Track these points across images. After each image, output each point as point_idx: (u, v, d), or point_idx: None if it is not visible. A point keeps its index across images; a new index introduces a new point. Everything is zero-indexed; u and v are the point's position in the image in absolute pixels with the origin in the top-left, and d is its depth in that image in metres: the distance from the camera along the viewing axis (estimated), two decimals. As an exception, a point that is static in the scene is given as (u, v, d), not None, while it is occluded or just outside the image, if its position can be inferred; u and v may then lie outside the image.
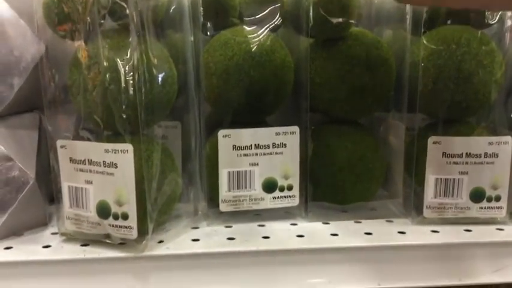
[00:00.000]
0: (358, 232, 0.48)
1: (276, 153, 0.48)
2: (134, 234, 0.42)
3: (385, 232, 0.48)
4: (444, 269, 0.45)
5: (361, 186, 0.51)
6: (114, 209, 0.42)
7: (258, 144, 0.48)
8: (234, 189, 0.49)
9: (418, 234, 0.47)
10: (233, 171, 0.48)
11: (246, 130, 0.48)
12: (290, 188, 0.50)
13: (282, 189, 0.49)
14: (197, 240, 0.46)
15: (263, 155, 0.48)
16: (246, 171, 0.48)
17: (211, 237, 0.46)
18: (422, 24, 0.47)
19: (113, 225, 0.42)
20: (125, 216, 0.41)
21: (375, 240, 0.46)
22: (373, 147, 0.51)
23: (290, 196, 0.50)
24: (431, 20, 0.49)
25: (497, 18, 0.49)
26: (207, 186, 0.50)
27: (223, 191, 0.48)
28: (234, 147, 0.48)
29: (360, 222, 0.51)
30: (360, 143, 0.51)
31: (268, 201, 0.49)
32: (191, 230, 0.49)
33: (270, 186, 0.49)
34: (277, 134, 0.48)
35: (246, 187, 0.49)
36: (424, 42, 0.47)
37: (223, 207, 0.49)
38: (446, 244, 0.45)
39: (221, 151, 0.47)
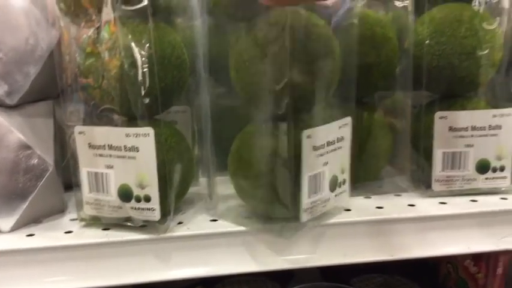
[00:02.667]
0: (369, 206, 0.49)
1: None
2: (157, 215, 0.42)
3: (395, 205, 0.50)
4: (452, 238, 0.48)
5: (369, 164, 0.53)
6: (136, 191, 0.42)
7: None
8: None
9: (427, 206, 0.49)
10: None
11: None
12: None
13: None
14: (215, 220, 0.47)
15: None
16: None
17: (228, 217, 0.47)
18: (426, 2, 0.49)
19: (135, 208, 0.43)
20: (147, 199, 0.42)
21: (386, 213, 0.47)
22: (379, 125, 0.53)
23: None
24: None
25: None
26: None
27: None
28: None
29: (370, 197, 0.52)
30: (366, 121, 0.52)
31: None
32: (206, 210, 0.49)
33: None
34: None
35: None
36: (427, 20, 0.49)
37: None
38: (456, 215, 0.47)
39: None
